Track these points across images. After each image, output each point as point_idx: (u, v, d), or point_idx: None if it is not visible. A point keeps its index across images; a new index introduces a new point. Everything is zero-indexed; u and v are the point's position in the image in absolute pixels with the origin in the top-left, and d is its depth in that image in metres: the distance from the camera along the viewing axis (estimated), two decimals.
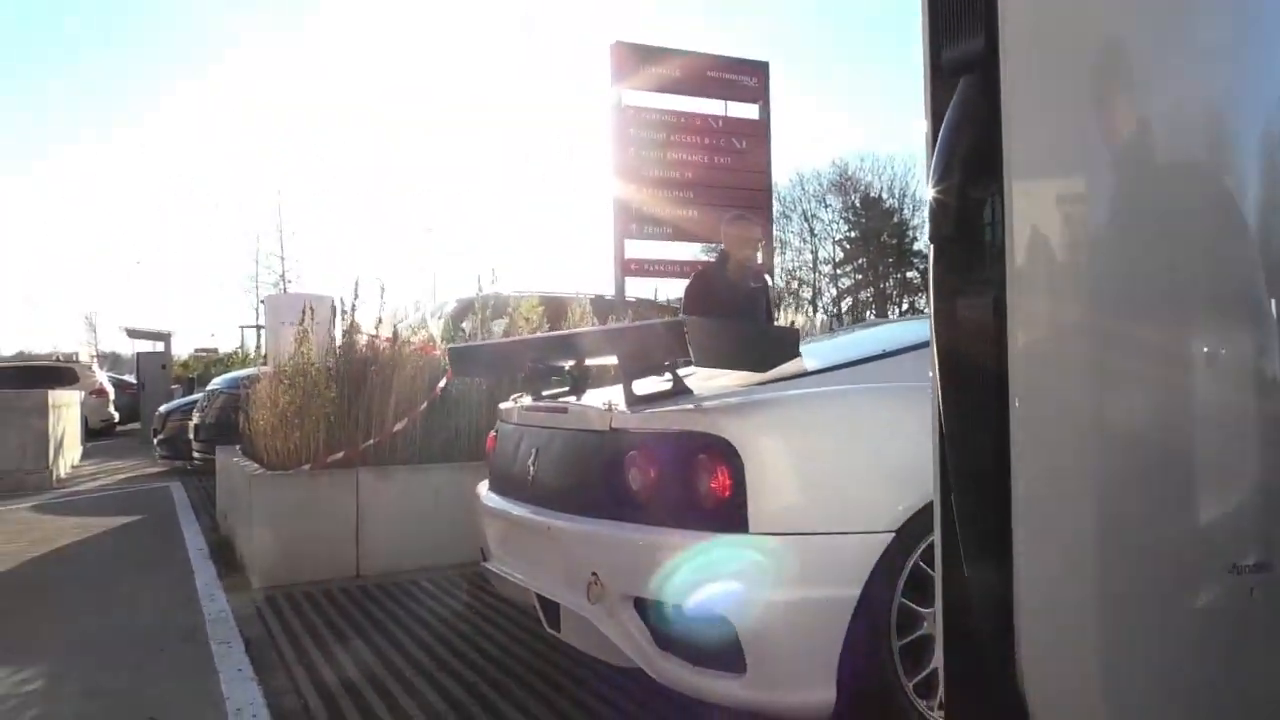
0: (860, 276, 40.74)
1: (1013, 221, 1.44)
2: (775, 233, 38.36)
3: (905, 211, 38.40)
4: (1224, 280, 1.51)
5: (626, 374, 2.61)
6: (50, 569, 5.18)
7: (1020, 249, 1.44)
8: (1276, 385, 1.54)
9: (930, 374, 1.57)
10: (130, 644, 3.60)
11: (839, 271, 41.91)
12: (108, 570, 5.13)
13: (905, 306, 37.66)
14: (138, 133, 62.10)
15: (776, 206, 39.94)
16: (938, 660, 1.66)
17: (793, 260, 40.57)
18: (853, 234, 41.33)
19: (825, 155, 70.57)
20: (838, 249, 42.00)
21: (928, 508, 1.62)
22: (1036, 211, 1.46)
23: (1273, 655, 1.46)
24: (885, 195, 39.55)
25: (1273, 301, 1.49)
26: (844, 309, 38.39)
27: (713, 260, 5.23)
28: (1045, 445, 1.46)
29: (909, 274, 38.31)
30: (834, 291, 40.71)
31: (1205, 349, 1.51)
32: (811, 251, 41.79)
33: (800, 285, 39.60)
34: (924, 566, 2.25)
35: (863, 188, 40.86)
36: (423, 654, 3.37)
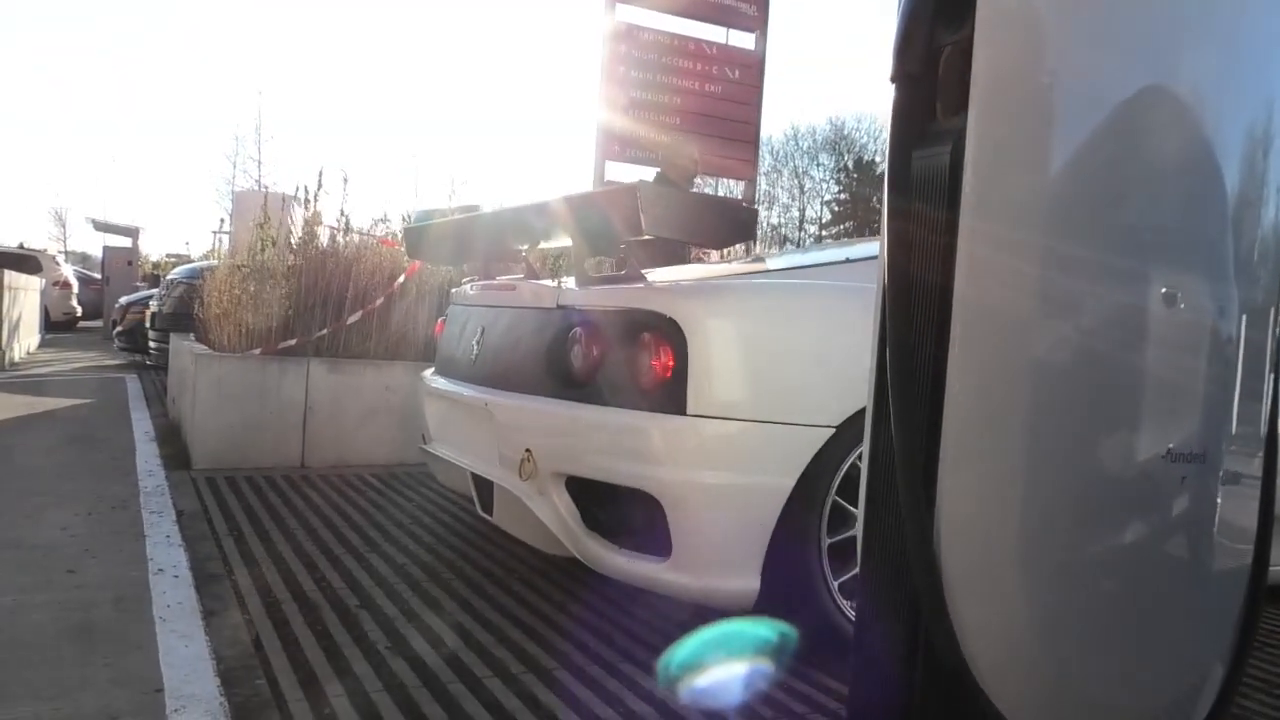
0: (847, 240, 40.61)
1: (980, 65, 1.35)
2: (765, 186, 38.24)
3: None
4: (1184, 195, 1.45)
5: (579, 251, 2.52)
6: None
7: (985, 98, 1.36)
8: (1221, 288, 1.49)
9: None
10: (58, 508, 3.51)
11: (825, 233, 41.74)
12: (46, 444, 5.02)
13: None
14: (120, 26, 60.21)
15: (769, 159, 39.60)
16: (858, 530, 1.61)
17: (780, 216, 40.38)
18: (843, 195, 41.13)
19: (821, 111, 69.83)
20: (826, 210, 41.83)
21: None
22: (1003, 60, 1.37)
23: (1194, 536, 1.43)
24: (879, 159, 39.30)
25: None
26: None
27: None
28: (986, 333, 1.39)
29: None
30: None
31: (1160, 254, 1.44)
32: (800, 209, 41.59)
33: (785, 243, 39.39)
34: (861, 466, 2.20)
35: (857, 149, 40.56)
36: (355, 536, 3.31)
